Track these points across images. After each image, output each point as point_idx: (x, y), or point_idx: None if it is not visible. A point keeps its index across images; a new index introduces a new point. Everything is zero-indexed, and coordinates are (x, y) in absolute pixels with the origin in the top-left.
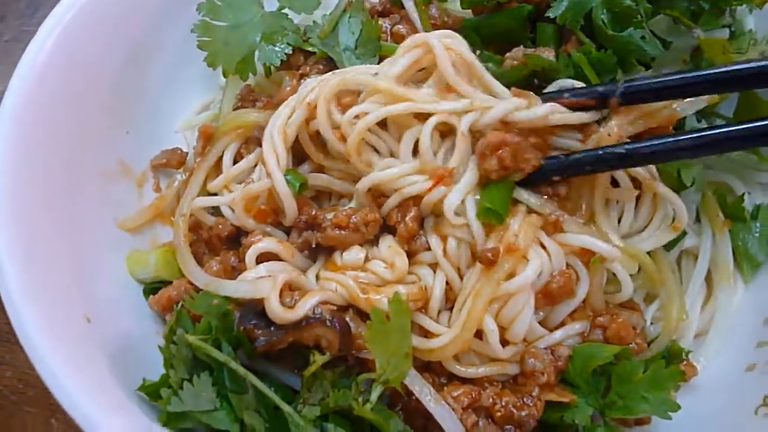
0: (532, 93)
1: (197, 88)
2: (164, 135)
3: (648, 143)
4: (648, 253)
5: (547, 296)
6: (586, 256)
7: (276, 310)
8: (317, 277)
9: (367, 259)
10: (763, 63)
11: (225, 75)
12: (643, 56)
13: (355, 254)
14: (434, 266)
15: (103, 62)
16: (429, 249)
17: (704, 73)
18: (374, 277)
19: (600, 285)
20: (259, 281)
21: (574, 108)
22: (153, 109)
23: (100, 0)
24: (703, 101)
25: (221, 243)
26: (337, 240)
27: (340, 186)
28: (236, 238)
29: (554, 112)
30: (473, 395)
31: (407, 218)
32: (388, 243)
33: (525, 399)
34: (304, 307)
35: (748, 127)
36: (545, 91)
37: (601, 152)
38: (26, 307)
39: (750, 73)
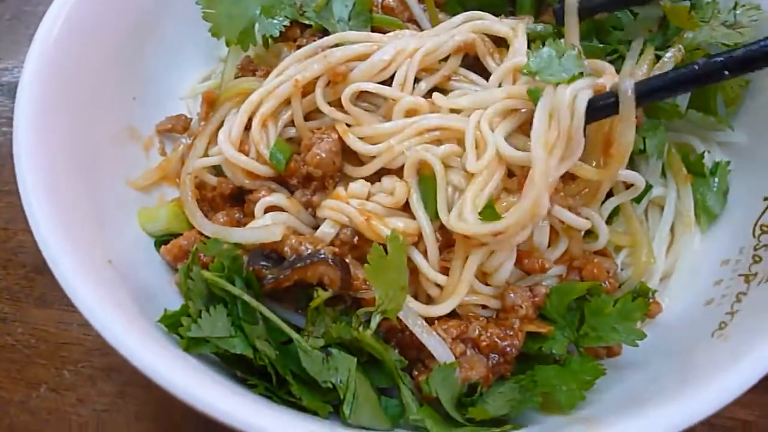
0: None
1: (198, 59)
2: (168, 102)
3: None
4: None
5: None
6: None
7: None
8: (321, 207)
9: (370, 195)
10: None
11: (228, 45)
12: (617, 24)
13: (360, 186)
14: None
15: (113, 33)
16: None
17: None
18: (378, 207)
19: (579, 239)
20: (270, 227)
21: None
22: (158, 77)
23: None
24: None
25: (224, 202)
26: (317, 161)
27: None
28: (238, 197)
29: None
30: (461, 328)
31: None
32: (392, 178)
33: (507, 331)
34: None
35: None
36: None
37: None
38: (58, 246)
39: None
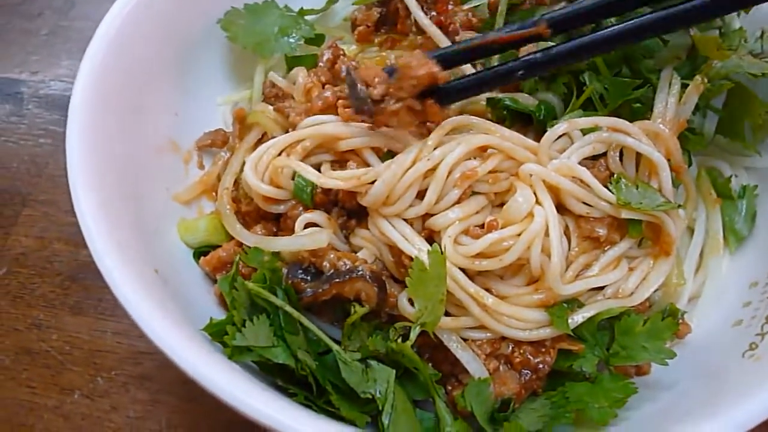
0: None
1: (236, 78)
2: (205, 116)
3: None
4: None
5: None
6: None
7: None
8: (354, 234)
9: None
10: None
11: (255, 51)
12: (647, 53)
13: None
14: None
15: (158, 52)
16: None
17: None
18: None
19: None
20: (315, 233)
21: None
22: (198, 93)
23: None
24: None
25: (258, 217)
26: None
27: None
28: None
29: None
30: (495, 345)
31: None
32: None
33: (540, 348)
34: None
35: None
36: None
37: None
38: (110, 256)
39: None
